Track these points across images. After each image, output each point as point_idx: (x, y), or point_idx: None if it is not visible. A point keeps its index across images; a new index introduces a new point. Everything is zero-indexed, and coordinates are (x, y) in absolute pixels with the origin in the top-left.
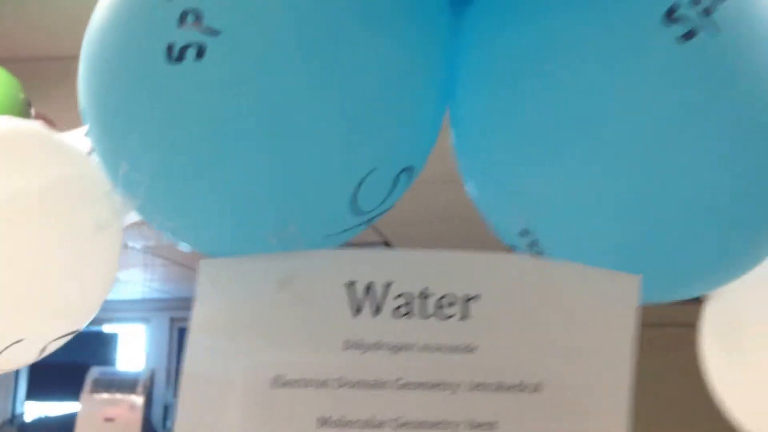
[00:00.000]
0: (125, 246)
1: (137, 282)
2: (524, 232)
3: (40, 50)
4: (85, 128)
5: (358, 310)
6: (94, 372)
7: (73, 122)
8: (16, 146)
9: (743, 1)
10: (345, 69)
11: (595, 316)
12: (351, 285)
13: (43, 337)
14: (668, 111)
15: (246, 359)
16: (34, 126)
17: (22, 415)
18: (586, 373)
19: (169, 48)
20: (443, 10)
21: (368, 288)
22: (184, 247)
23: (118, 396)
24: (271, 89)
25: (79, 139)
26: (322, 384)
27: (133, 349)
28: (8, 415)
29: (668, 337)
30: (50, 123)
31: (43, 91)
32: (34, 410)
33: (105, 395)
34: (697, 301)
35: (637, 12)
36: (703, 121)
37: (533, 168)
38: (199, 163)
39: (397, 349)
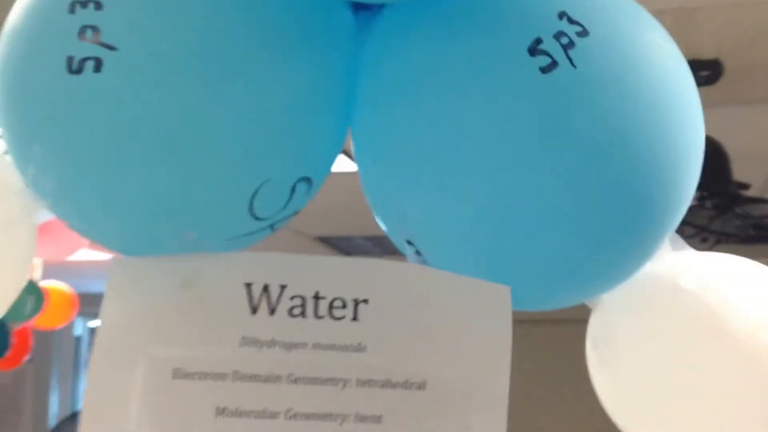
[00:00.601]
0: None
1: None
2: (409, 242)
3: None
4: None
5: (254, 310)
6: None
7: None
8: None
9: (603, 40)
10: (238, 88)
11: (473, 321)
12: (249, 286)
13: None
14: (529, 134)
15: (148, 353)
16: None
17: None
18: (467, 373)
19: (70, 60)
20: (347, 30)
21: (265, 289)
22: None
23: None
24: (164, 104)
25: None
26: (219, 377)
27: None
28: (68, 413)
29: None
30: None
31: None
32: None
33: None
34: None
35: (506, 43)
36: (560, 144)
37: (408, 186)
38: (99, 171)
39: (290, 346)
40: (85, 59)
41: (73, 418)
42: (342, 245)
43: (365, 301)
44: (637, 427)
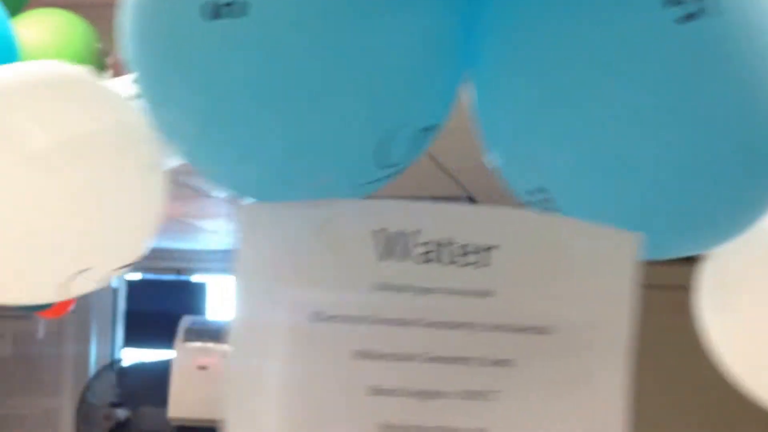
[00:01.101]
0: (209, 195)
1: (223, 232)
2: (538, 190)
3: None
4: (131, 75)
5: (388, 255)
6: (186, 321)
7: None
8: (66, 92)
9: None
10: (377, 27)
11: (599, 268)
12: (380, 232)
13: (106, 267)
14: (663, 85)
15: (288, 297)
16: (82, 71)
17: (120, 360)
18: (591, 318)
19: (205, 5)
20: None
21: (398, 235)
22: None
23: (210, 345)
24: (302, 49)
25: (126, 85)
26: (356, 320)
27: (221, 299)
28: (107, 360)
29: (664, 300)
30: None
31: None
32: (130, 356)
33: (197, 344)
34: (692, 262)
35: None
36: (700, 93)
37: (544, 129)
38: (232, 117)
39: (422, 291)
40: (222, 4)
41: (111, 365)
42: None
43: (495, 247)
44: (753, 372)
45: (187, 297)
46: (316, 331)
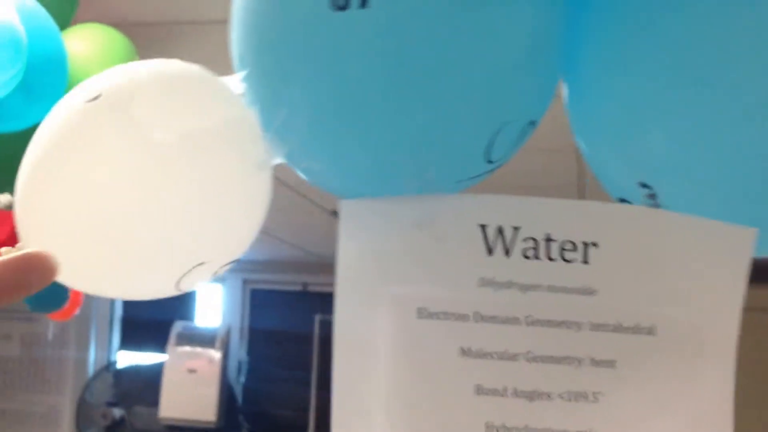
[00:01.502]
0: None
1: None
2: (643, 185)
3: (150, 15)
4: (237, 75)
5: (490, 251)
6: (178, 326)
7: None
8: (187, 88)
9: None
10: (491, 29)
11: (708, 267)
12: (484, 227)
13: (218, 262)
14: None
15: (392, 292)
16: (202, 71)
17: (116, 363)
18: (697, 317)
19: None
20: None
21: (499, 230)
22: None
23: (199, 349)
24: (426, 42)
25: (236, 84)
26: (461, 317)
27: (210, 307)
28: (105, 362)
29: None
30: None
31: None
32: (126, 359)
33: (187, 348)
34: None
35: None
36: None
37: (652, 125)
38: (354, 108)
39: (526, 288)
40: None
41: (108, 367)
42: None
43: (595, 244)
44: None
45: (179, 304)
46: (421, 328)
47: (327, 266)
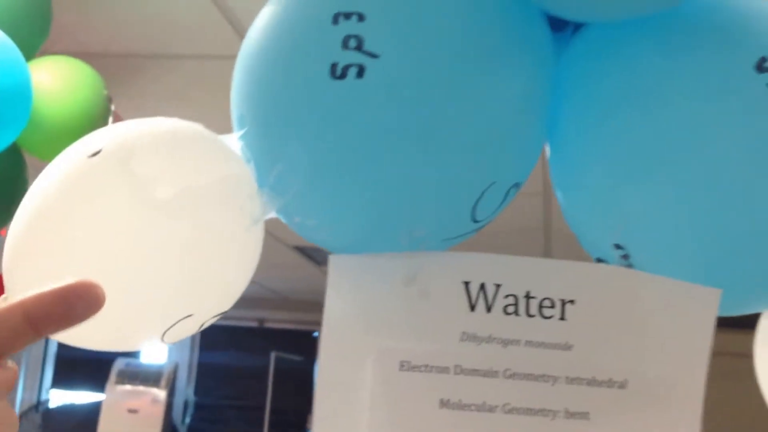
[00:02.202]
0: None
1: None
2: (617, 246)
3: (122, 47)
4: (235, 134)
5: (473, 307)
6: (120, 363)
7: (141, 116)
8: (184, 146)
9: None
10: (477, 93)
11: (677, 325)
12: (467, 284)
13: (205, 314)
14: (755, 144)
15: (377, 346)
16: (201, 128)
17: (47, 402)
18: (667, 372)
19: (333, 66)
20: (549, 45)
21: (481, 287)
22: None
23: (142, 388)
24: (419, 108)
25: (234, 142)
26: (443, 370)
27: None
28: (33, 402)
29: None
30: (119, 119)
31: (114, 88)
32: (59, 398)
33: (129, 387)
34: (750, 330)
35: (734, 60)
36: None
37: (628, 188)
38: (348, 169)
39: (506, 342)
40: (348, 66)
41: (36, 407)
42: (315, 255)
43: (572, 301)
44: None
45: None
46: (403, 380)
47: (285, 302)
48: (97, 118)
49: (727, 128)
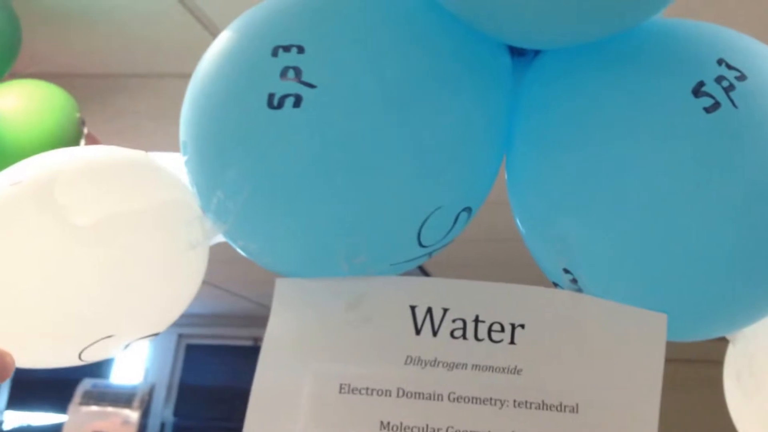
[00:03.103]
0: None
1: None
2: (565, 270)
3: (91, 67)
4: (180, 158)
5: (418, 331)
6: (86, 384)
7: (114, 136)
8: (123, 174)
9: (760, 83)
10: (418, 121)
11: (627, 349)
12: (414, 308)
13: (129, 335)
14: (692, 170)
15: (315, 369)
16: (141, 156)
17: (1, 423)
18: (619, 398)
19: (271, 96)
20: (506, 71)
21: (428, 311)
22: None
23: (110, 409)
24: (354, 136)
25: (175, 166)
26: (385, 393)
27: (131, 363)
28: None
29: (700, 374)
30: (95, 142)
31: (93, 107)
32: (14, 420)
33: (95, 408)
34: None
35: (672, 85)
36: (720, 181)
37: (571, 218)
38: (285, 196)
39: (451, 366)
40: (285, 96)
41: None
42: None
43: (522, 325)
44: None
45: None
46: (342, 402)
47: None
48: (67, 141)
49: (664, 154)
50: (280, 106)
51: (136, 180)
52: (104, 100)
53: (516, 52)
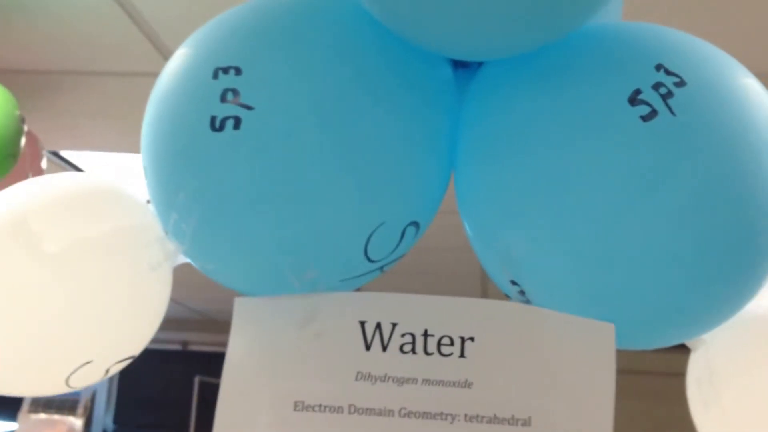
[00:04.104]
0: None
1: None
2: (513, 282)
3: (29, 63)
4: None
5: (368, 347)
6: None
7: (54, 133)
8: (82, 200)
9: (699, 89)
10: (354, 138)
11: (578, 359)
12: (363, 324)
13: (108, 360)
14: (629, 180)
15: (272, 387)
16: (104, 181)
17: None
18: (571, 409)
19: (213, 119)
20: (447, 85)
21: (377, 326)
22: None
23: (57, 417)
24: (293, 154)
25: (141, 190)
26: (337, 410)
27: None
28: None
29: (665, 386)
30: (35, 139)
31: (31, 104)
32: None
33: (43, 416)
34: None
35: (607, 94)
36: (659, 189)
37: (513, 230)
38: (230, 217)
39: (402, 381)
40: (226, 118)
41: None
42: None
43: (471, 339)
44: None
45: None
46: (297, 420)
47: (210, 324)
48: (7, 138)
49: (601, 164)
50: (221, 128)
51: (100, 206)
52: (44, 97)
53: (459, 65)
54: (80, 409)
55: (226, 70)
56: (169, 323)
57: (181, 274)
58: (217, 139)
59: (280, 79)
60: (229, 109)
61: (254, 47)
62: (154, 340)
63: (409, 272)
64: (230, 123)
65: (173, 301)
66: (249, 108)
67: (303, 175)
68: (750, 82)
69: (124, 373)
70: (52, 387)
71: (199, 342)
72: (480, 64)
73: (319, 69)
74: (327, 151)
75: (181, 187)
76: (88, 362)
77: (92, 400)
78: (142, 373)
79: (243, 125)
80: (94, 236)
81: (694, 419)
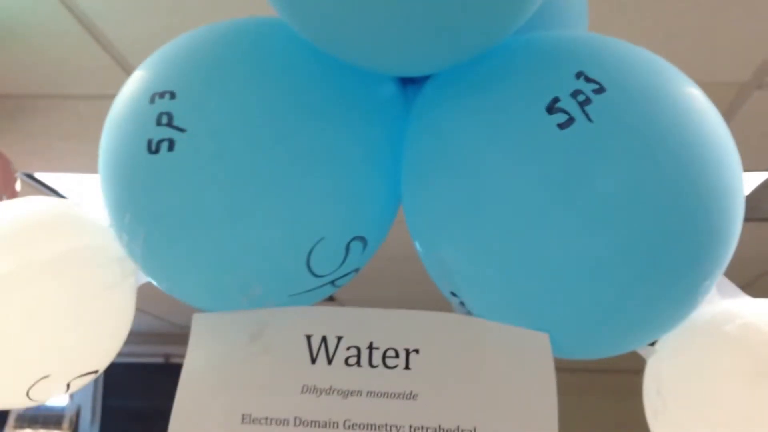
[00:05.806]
0: None
1: None
2: (453, 294)
3: (8, 88)
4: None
5: (314, 360)
6: (18, 407)
7: (26, 156)
8: (38, 222)
9: (619, 95)
10: (286, 156)
11: (517, 369)
12: (309, 338)
13: (66, 374)
14: (547, 188)
15: (223, 399)
16: (64, 205)
17: None
18: (515, 420)
19: (149, 142)
20: (392, 102)
21: (323, 340)
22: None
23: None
24: (224, 175)
25: (100, 214)
26: (283, 422)
27: None
28: None
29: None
30: (8, 162)
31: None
32: None
33: (28, 431)
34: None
35: (525, 104)
36: (576, 196)
37: (446, 242)
38: (175, 235)
39: (346, 394)
40: (161, 140)
41: None
42: None
43: (416, 351)
44: None
45: None
46: None
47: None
48: None
49: (519, 174)
50: (157, 151)
51: (55, 228)
52: (16, 120)
53: (408, 81)
54: (65, 424)
55: (162, 95)
56: (151, 337)
57: (160, 290)
58: (154, 161)
59: (211, 102)
60: (164, 132)
61: (188, 72)
62: (137, 354)
63: (387, 282)
64: (165, 145)
65: (155, 316)
66: (181, 130)
67: (235, 194)
68: (681, 88)
69: (109, 387)
70: (13, 400)
71: (181, 355)
72: (426, 78)
73: (248, 90)
74: (258, 170)
75: (127, 209)
76: (45, 377)
77: (78, 413)
78: (127, 386)
79: (176, 147)
80: (46, 257)
81: (650, 428)
